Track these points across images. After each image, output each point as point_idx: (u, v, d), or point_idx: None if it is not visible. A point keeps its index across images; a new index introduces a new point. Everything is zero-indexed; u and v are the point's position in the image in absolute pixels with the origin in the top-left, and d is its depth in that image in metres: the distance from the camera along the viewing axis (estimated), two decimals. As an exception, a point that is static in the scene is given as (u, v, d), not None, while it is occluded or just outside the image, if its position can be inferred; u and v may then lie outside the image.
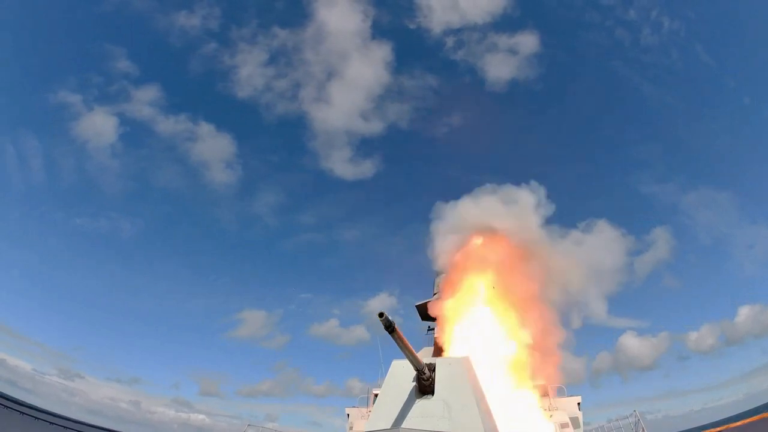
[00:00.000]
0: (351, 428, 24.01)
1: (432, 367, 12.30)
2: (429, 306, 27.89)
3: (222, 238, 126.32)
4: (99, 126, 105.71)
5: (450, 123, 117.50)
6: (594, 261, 29.37)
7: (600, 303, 26.89)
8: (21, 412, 12.10)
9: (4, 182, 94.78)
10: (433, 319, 32.60)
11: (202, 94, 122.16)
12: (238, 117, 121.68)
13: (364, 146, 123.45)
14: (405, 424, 11.09)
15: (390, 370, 13.39)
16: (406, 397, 12.03)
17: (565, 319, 25.04)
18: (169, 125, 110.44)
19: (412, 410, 11.61)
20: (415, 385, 12.19)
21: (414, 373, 12.24)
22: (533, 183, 27.06)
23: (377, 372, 23.92)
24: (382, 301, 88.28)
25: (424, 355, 21.49)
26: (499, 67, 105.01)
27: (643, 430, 14.06)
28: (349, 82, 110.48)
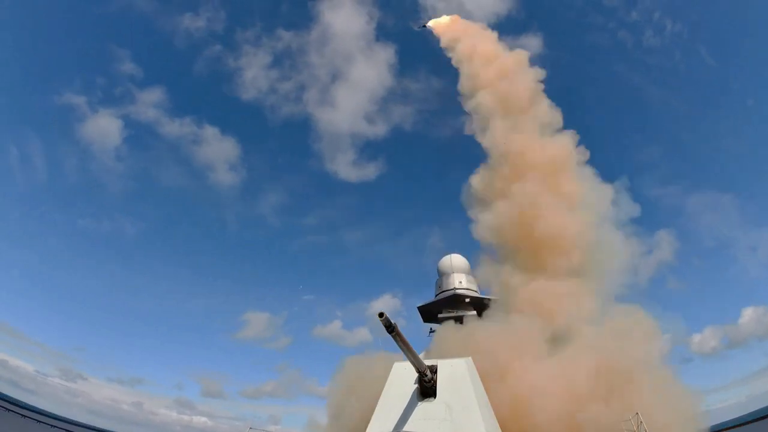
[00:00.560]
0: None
1: (434, 369, 12.27)
2: None
3: (226, 240, 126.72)
4: (104, 128, 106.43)
5: (454, 125, 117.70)
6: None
7: None
8: (22, 415, 12.06)
9: (7, 182, 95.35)
10: (436, 321, 32.66)
11: (207, 97, 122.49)
12: (242, 119, 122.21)
13: (368, 149, 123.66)
14: (407, 427, 11.06)
15: (392, 372, 13.36)
16: (408, 399, 12.00)
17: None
18: (174, 128, 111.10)
19: (414, 413, 11.59)
20: (417, 388, 12.17)
21: (416, 375, 12.21)
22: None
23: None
24: (385, 303, 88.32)
25: (426, 357, 21.46)
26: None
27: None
28: (353, 85, 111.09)
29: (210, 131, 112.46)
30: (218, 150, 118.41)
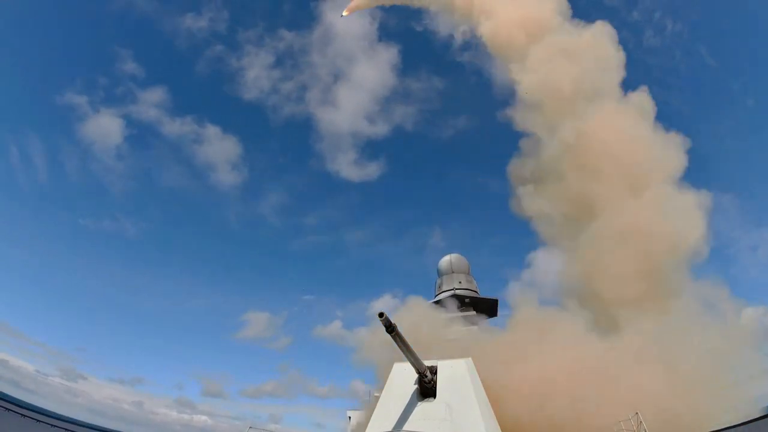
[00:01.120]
0: (353, 431, 23.94)
1: (434, 370, 12.28)
2: None
3: (226, 240, 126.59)
4: (105, 128, 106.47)
5: (456, 125, 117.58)
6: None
7: None
8: (22, 415, 12.07)
9: (8, 183, 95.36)
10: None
11: (209, 96, 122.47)
12: (244, 119, 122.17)
13: (369, 148, 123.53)
14: (407, 427, 11.06)
15: (391, 372, 13.36)
16: (407, 399, 12.00)
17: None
18: (175, 127, 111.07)
19: (413, 413, 11.59)
20: (417, 388, 12.17)
21: (416, 375, 12.22)
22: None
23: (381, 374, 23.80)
24: (386, 303, 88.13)
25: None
26: (506, 69, 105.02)
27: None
28: (355, 85, 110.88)
29: (212, 130, 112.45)
30: (220, 149, 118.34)
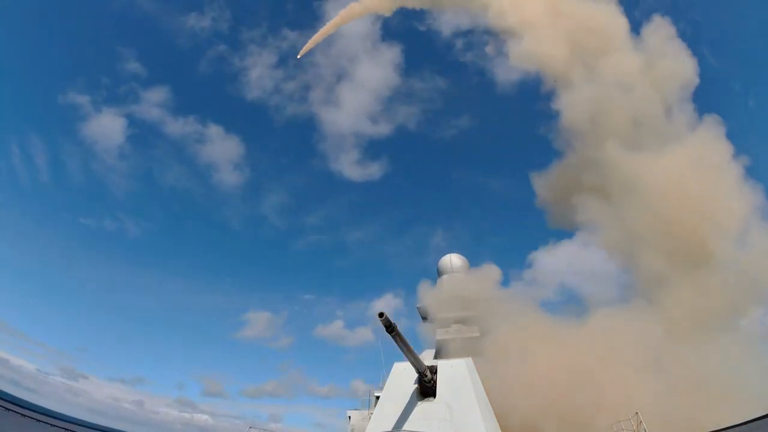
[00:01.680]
0: (352, 431, 23.93)
1: (434, 370, 12.28)
2: None
3: (228, 240, 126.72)
4: (107, 127, 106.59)
5: (458, 125, 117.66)
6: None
7: None
8: (22, 414, 12.05)
9: (10, 182, 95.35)
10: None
11: (211, 96, 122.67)
12: (247, 119, 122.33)
13: (371, 148, 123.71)
14: (406, 427, 11.05)
15: (391, 372, 13.38)
16: (407, 399, 12.01)
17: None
18: (177, 127, 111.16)
19: (413, 413, 11.59)
20: (417, 388, 12.17)
21: (416, 375, 12.22)
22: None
23: (381, 374, 23.87)
24: (387, 303, 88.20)
25: (426, 358, 21.44)
26: (509, 69, 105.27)
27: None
28: (358, 85, 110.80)
29: (214, 130, 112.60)
30: (222, 149, 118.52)
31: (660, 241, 22.66)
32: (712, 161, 23.74)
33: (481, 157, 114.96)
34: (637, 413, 12.71)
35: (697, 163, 23.69)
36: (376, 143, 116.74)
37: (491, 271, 30.78)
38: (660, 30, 28.62)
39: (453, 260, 34.81)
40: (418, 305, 34.44)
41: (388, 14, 37.28)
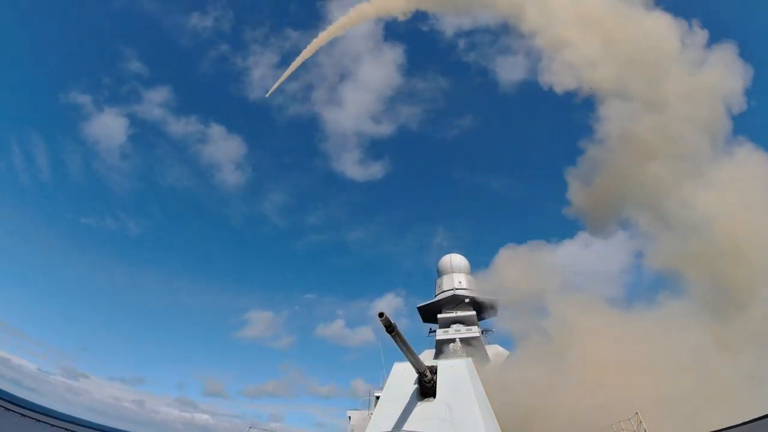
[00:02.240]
0: (352, 431, 23.93)
1: (434, 370, 12.27)
2: None
3: (229, 239, 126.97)
4: (109, 127, 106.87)
5: (460, 125, 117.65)
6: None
7: None
8: (22, 414, 12.02)
9: (11, 181, 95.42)
10: (435, 321, 32.62)
11: (214, 96, 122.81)
12: (249, 119, 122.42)
13: (374, 148, 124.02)
14: (406, 427, 11.03)
15: (391, 372, 13.36)
16: (407, 399, 11.99)
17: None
18: (179, 127, 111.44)
19: (413, 413, 11.57)
20: (417, 388, 12.16)
21: (416, 375, 12.21)
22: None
23: (381, 374, 23.91)
24: (388, 303, 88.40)
25: (426, 358, 21.43)
26: (511, 69, 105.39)
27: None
28: (361, 85, 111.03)
29: (216, 130, 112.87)
30: (224, 149, 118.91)
31: (711, 263, 22.85)
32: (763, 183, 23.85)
33: (483, 157, 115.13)
34: (637, 413, 12.69)
35: (749, 186, 23.75)
36: (379, 143, 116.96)
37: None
38: (719, 53, 28.19)
39: (453, 260, 34.82)
40: (418, 306, 34.50)
41: (402, 18, 36.82)
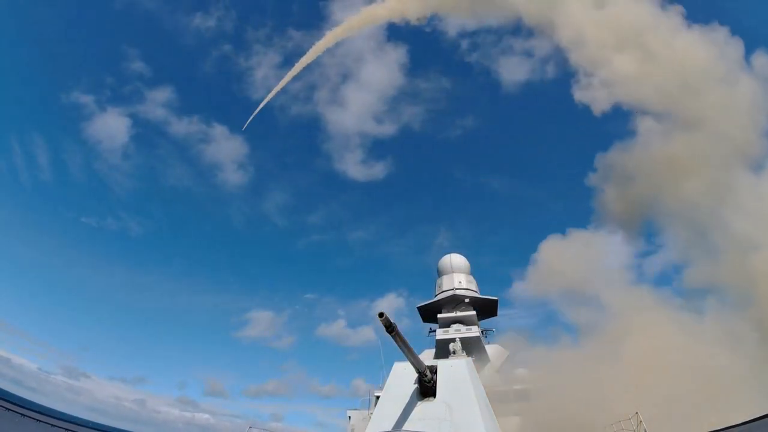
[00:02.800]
0: (352, 430, 23.95)
1: (434, 369, 12.27)
2: None
3: (231, 239, 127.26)
4: (112, 126, 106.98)
5: (463, 125, 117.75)
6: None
7: None
8: (22, 414, 12.03)
9: (12, 181, 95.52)
10: (435, 321, 32.62)
11: (216, 96, 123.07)
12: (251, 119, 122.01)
13: (376, 148, 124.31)
14: (406, 427, 11.03)
15: (391, 372, 13.36)
16: (407, 399, 11.99)
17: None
18: (182, 127, 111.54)
19: (413, 413, 11.57)
20: (417, 387, 12.16)
21: (416, 375, 12.21)
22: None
23: (382, 374, 23.92)
24: (389, 302, 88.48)
25: (426, 358, 21.44)
26: (514, 70, 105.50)
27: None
28: (363, 85, 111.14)
29: (218, 130, 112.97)
30: (226, 149, 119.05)
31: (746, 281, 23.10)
32: None
33: (485, 157, 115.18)
34: (637, 413, 12.69)
35: None
36: (381, 143, 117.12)
37: None
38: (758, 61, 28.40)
39: (453, 260, 34.82)
40: (418, 306, 34.49)
41: (416, 22, 36.35)
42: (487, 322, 33.59)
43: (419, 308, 34.35)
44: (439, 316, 31.67)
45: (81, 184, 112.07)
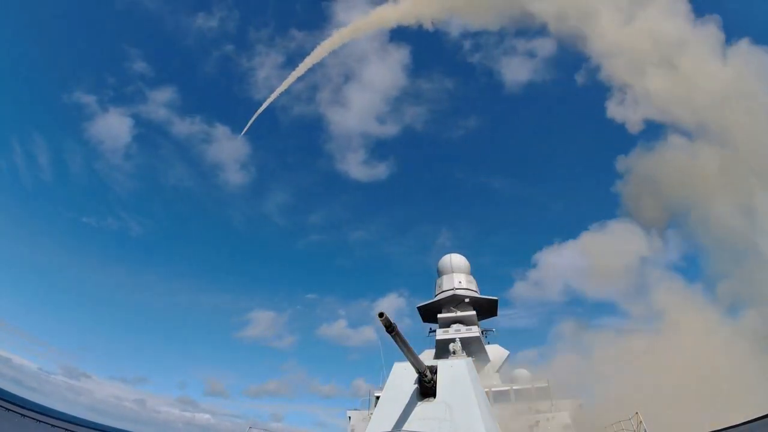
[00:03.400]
0: (352, 431, 23.94)
1: (434, 370, 12.27)
2: None
3: (232, 239, 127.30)
4: (113, 127, 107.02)
5: (465, 125, 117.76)
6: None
7: None
8: (22, 414, 12.05)
9: (12, 181, 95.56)
10: (435, 321, 32.65)
11: (218, 96, 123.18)
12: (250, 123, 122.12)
13: (378, 148, 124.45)
14: (406, 427, 11.03)
15: (391, 372, 13.35)
16: (407, 399, 11.98)
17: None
18: (184, 127, 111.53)
19: (413, 413, 11.56)
20: (417, 388, 12.16)
21: (416, 375, 12.21)
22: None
23: (382, 374, 23.88)
24: (390, 303, 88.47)
25: (426, 358, 21.44)
26: (517, 70, 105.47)
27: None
28: (366, 85, 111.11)
29: (220, 130, 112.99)
30: (228, 149, 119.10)
31: None
32: None
33: (487, 157, 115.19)
34: (637, 413, 12.71)
35: None
36: (383, 143, 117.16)
37: None
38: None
39: (453, 260, 34.83)
40: (418, 306, 34.50)
41: (429, 27, 35.95)
42: (487, 322, 33.63)
43: (419, 308, 34.37)
44: (439, 316, 31.68)
45: (82, 184, 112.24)
